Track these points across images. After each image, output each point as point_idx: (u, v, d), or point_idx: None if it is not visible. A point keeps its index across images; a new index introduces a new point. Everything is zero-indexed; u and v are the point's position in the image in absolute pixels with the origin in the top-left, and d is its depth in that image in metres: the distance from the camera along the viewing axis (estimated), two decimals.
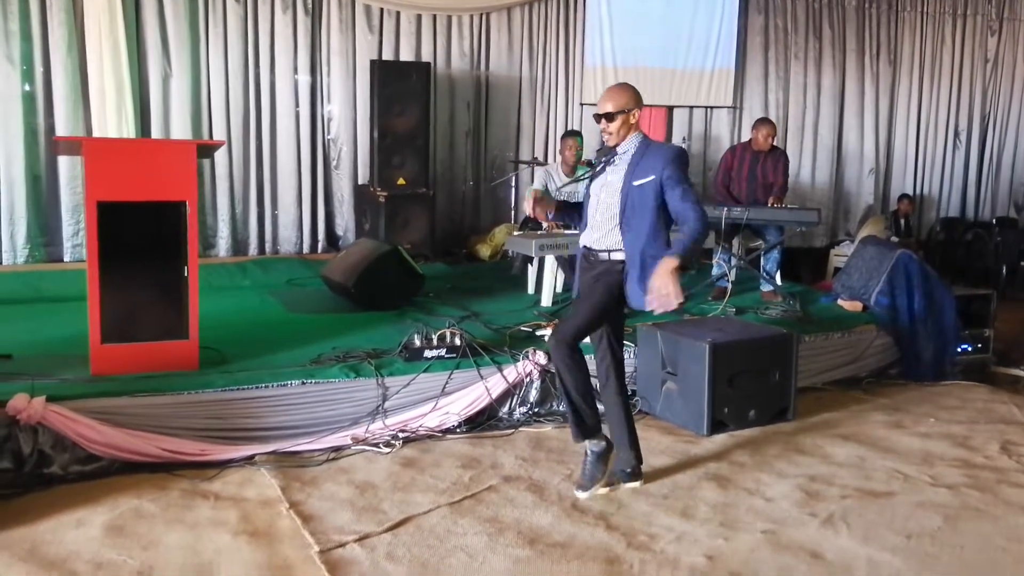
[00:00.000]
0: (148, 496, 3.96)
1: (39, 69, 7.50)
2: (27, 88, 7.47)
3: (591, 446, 4.05)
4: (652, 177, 3.92)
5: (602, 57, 9.78)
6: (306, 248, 8.63)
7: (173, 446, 4.29)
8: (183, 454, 4.28)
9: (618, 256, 4.03)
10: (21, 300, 6.43)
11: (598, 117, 4.04)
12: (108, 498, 3.93)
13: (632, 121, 4.02)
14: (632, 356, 5.38)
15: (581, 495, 4.03)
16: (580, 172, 6.95)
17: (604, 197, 4.09)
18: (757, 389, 5.15)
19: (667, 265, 3.74)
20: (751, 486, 4.27)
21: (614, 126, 4.01)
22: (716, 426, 4.98)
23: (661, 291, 3.73)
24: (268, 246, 8.50)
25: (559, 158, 7.11)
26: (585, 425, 4.01)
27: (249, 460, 4.35)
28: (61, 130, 7.51)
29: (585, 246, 4.18)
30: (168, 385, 4.45)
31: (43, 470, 4.11)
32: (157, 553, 3.46)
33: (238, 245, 8.34)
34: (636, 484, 4.18)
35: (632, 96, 4.02)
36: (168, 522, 3.72)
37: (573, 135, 7.10)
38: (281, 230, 8.54)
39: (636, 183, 3.96)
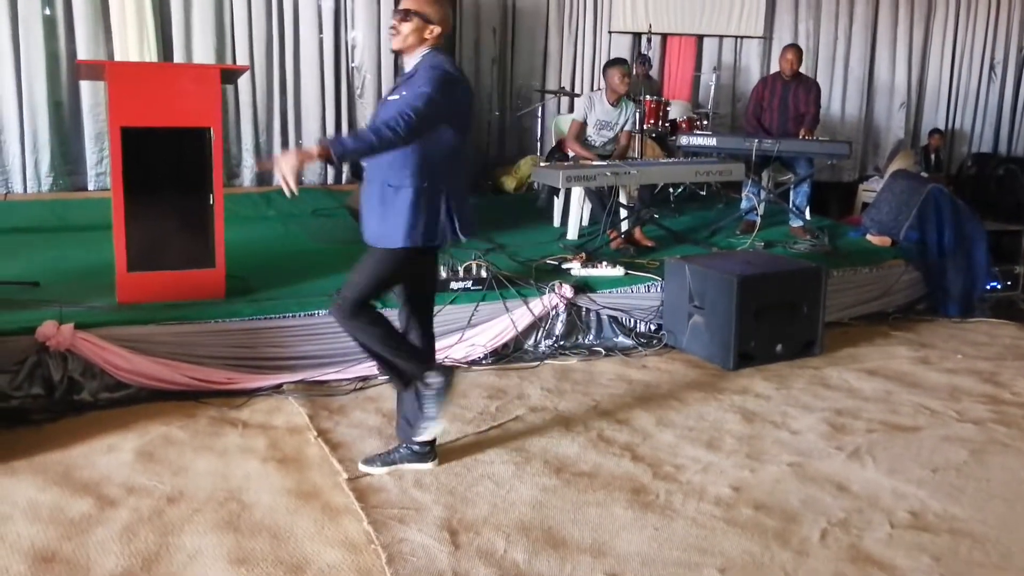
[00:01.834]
0: (177, 423, 4.00)
1: None
2: (47, 12, 7.37)
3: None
4: (404, 93, 3.26)
5: None
6: (330, 179, 8.57)
7: (200, 374, 4.31)
8: (211, 382, 4.31)
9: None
10: (46, 228, 6.44)
11: (395, 12, 3.38)
12: (138, 425, 3.97)
13: (427, 36, 3.31)
14: (659, 290, 5.35)
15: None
16: (623, 104, 6.83)
17: None
18: (784, 323, 5.11)
19: (305, 149, 3.10)
20: (777, 419, 4.26)
21: (406, 27, 3.29)
22: (742, 360, 4.96)
23: (281, 166, 3.03)
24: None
25: (604, 86, 6.91)
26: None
27: (277, 389, 4.37)
28: (82, 55, 7.43)
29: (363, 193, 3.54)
30: (195, 314, 4.45)
31: (73, 396, 4.15)
32: (187, 479, 3.50)
33: (262, 175, 8.28)
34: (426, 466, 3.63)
35: (438, 6, 3.34)
36: (197, 449, 3.76)
37: (622, 63, 6.90)
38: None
39: (389, 98, 3.40)
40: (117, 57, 7.43)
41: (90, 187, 7.67)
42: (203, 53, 7.82)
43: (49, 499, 3.31)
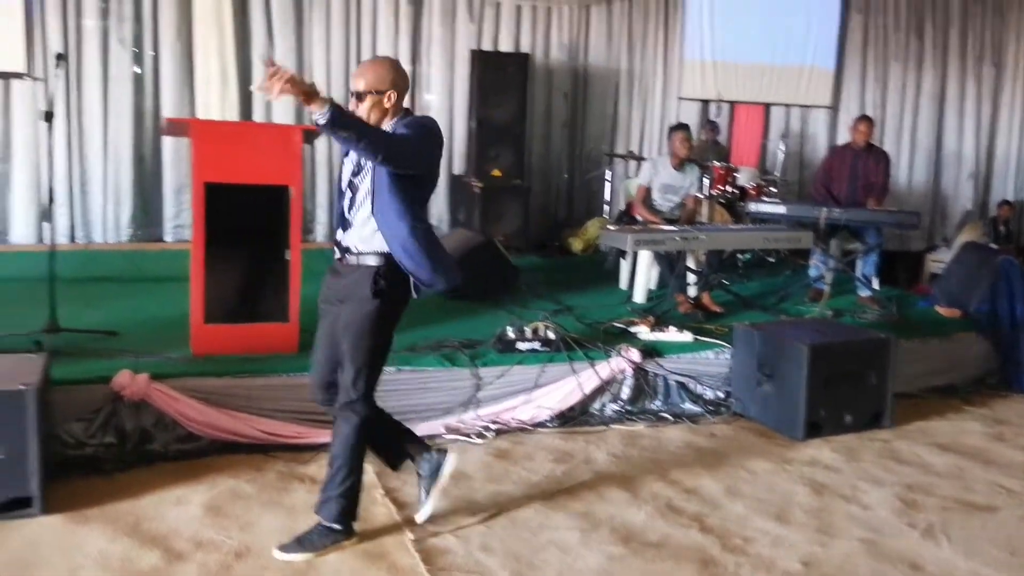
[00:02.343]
0: (245, 477, 4.02)
1: (148, 52, 7.70)
2: (137, 70, 7.67)
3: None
4: None
5: (701, 51, 9.68)
6: None
7: (270, 428, 4.35)
8: (280, 436, 4.34)
9: (370, 261, 3.33)
10: (124, 279, 6.61)
11: (351, 98, 3.34)
12: (207, 477, 4.00)
13: (387, 105, 3.28)
14: (727, 356, 5.28)
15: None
16: (688, 168, 6.85)
17: (361, 188, 3.33)
18: (853, 393, 5.01)
19: (309, 86, 2.99)
20: (847, 492, 4.16)
21: (363, 109, 3.26)
22: (811, 430, 4.87)
23: (283, 73, 2.92)
24: None
25: (667, 151, 6.97)
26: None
27: None
28: (167, 112, 7.69)
29: (340, 251, 3.48)
30: (268, 367, 4.51)
31: (145, 447, 4.21)
32: (254, 534, 3.51)
33: (336, 231, 8.42)
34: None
35: (387, 74, 3.30)
36: (264, 504, 3.78)
37: (684, 128, 6.95)
38: None
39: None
40: (199, 114, 7.69)
41: (167, 239, 7.87)
42: (282, 112, 8.04)
43: (119, 550, 3.34)
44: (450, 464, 3.62)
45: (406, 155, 3.16)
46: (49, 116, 4.85)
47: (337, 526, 3.40)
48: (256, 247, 4.78)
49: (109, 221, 7.68)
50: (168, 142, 7.76)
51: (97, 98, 7.53)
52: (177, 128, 5.51)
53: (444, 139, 3.48)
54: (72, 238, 7.48)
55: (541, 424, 4.79)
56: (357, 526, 3.48)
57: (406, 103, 3.40)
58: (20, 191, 7.40)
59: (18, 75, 7.25)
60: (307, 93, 2.94)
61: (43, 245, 7.14)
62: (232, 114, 7.70)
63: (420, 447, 3.70)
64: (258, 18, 7.98)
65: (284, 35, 8.06)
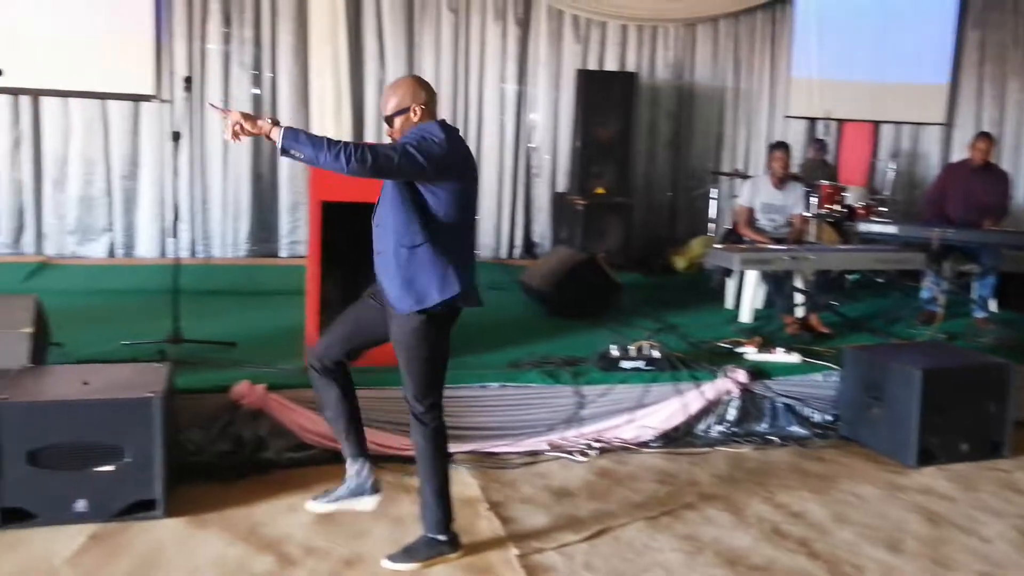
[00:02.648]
0: None
1: (267, 74, 8.03)
2: (256, 91, 8.00)
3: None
4: None
5: (808, 68, 9.53)
6: (503, 253, 8.80)
7: (379, 439, 4.44)
8: (388, 447, 4.43)
9: None
10: (242, 292, 6.87)
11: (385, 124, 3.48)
12: (318, 486, 4.07)
13: (415, 120, 3.37)
14: (836, 379, 5.18)
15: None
16: (790, 187, 6.77)
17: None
18: (969, 420, 4.84)
19: (259, 120, 3.11)
20: (964, 523, 4.02)
21: (396, 129, 3.40)
22: (924, 457, 4.72)
23: (232, 116, 3.07)
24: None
25: (767, 170, 6.92)
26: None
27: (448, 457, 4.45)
28: None
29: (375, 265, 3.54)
30: (376, 380, 4.59)
31: (260, 455, 4.36)
32: (363, 543, 3.61)
33: None
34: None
35: (409, 91, 3.39)
36: (373, 514, 3.84)
37: (781, 147, 6.89)
38: (481, 235, 8.75)
39: None
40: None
41: (282, 254, 8.17)
42: None
43: (235, 554, 3.48)
44: (369, 504, 3.66)
45: (382, 164, 3.15)
46: (177, 136, 5.10)
47: (441, 536, 3.47)
48: (370, 264, 4.89)
49: (228, 236, 8.02)
50: (284, 161, 8.05)
51: (219, 119, 7.86)
52: None
53: (458, 142, 3.36)
54: (193, 253, 7.84)
55: (644, 444, 4.77)
56: (465, 540, 3.55)
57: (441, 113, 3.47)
58: (146, 208, 7.81)
59: (147, 98, 7.65)
60: (261, 130, 3.08)
61: (167, 259, 7.52)
62: (345, 134, 7.95)
63: (364, 453, 3.69)
64: (371, 41, 8.23)
65: (395, 58, 8.29)
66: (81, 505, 3.63)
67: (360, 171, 3.12)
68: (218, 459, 4.27)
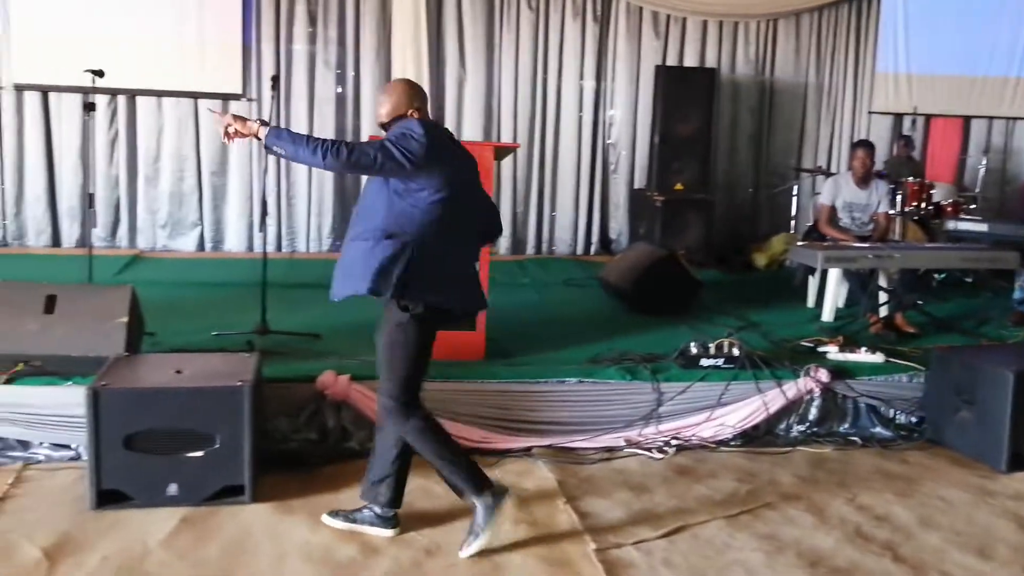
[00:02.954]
0: (435, 478, 4.09)
1: (350, 73, 8.20)
2: (339, 90, 8.16)
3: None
4: None
5: (895, 63, 9.33)
6: (579, 250, 8.83)
7: (459, 431, 4.48)
8: (467, 440, 4.48)
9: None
10: (325, 285, 6.92)
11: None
12: None
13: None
14: (922, 380, 5.07)
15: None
16: (873, 185, 6.64)
17: None
18: None
19: (248, 122, 3.28)
20: None
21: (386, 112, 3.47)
22: (1016, 462, 4.58)
23: (228, 119, 3.28)
24: (544, 246, 8.80)
25: (849, 168, 6.80)
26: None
27: (527, 451, 4.49)
28: (366, 129, 8.17)
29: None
30: (457, 373, 4.68)
31: (344, 444, 4.45)
32: (443, 533, 3.65)
33: (517, 244, 8.68)
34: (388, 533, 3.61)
35: (404, 96, 3.44)
36: (453, 504, 3.89)
37: (864, 145, 6.76)
38: (558, 231, 8.81)
39: None
40: None
41: None
42: (471, 130, 8.36)
43: (320, 541, 3.56)
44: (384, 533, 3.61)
45: (357, 159, 3.21)
46: None
47: (389, 512, 3.60)
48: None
49: (312, 231, 8.22)
50: None
51: (304, 117, 8.09)
52: None
53: (441, 141, 3.39)
54: (279, 247, 8.04)
55: (723, 442, 4.74)
56: (539, 531, 3.61)
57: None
58: (234, 203, 8.06)
59: (236, 96, 7.87)
60: (250, 132, 3.23)
61: (254, 253, 7.74)
62: None
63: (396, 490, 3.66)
64: (451, 41, 8.35)
65: (475, 57, 8.40)
66: (173, 489, 3.76)
67: (336, 166, 3.25)
68: (303, 447, 4.38)
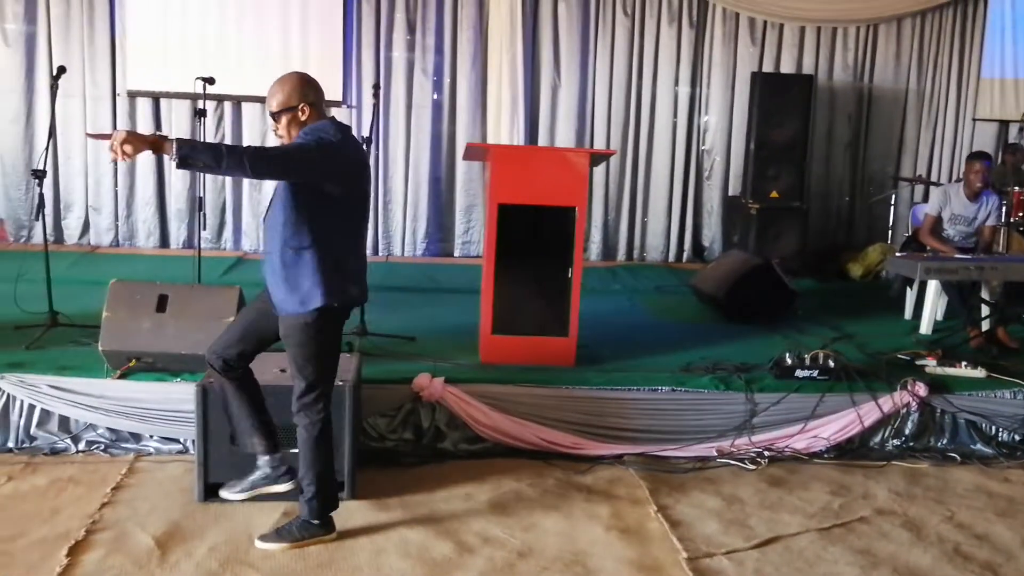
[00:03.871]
0: (527, 481, 4.26)
1: (447, 80, 8.35)
2: (435, 97, 8.32)
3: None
4: None
5: (1002, 68, 9.03)
6: (671, 256, 8.80)
7: (550, 436, 4.57)
8: (558, 445, 4.55)
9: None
10: (419, 289, 7.15)
11: (270, 120, 3.44)
12: (492, 478, 4.27)
13: (303, 118, 3.36)
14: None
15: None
16: (984, 198, 6.45)
17: None
18: None
19: (148, 135, 3.06)
20: None
21: (281, 127, 3.37)
22: None
23: (117, 137, 2.96)
24: (636, 252, 8.79)
25: (962, 179, 6.59)
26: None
27: (618, 458, 4.53)
28: (461, 136, 8.30)
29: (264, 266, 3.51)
30: (549, 378, 4.74)
31: (437, 444, 4.56)
32: (536, 536, 3.72)
33: (608, 250, 8.71)
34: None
35: (296, 88, 3.37)
36: (545, 508, 3.98)
37: (982, 157, 6.50)
38: (649, 237, 8.80)
39: None
40: (489, 138, 8.21)
41: (455, 254, 8.49)
42: (565, 136, 8.43)
43: (416, 538, 3.66)
44: (284, 487, 3.64)
45: (281, 165, 3.21)
46: (367, 142, 5.38)
47: (315, 521, 3.56)
48: (541, 264, 5.04)
49: (407, 236, 8.40)
50: (460, 164, 8.35)
51: (402, 124, 8.29)
52: (476, 152, 5.89)
53: (356, 145, 3.47)
54: (376, 251, 8.24)
55: (817, 454, 4.69)
56: (630, 538, 3.62)
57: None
58: None
59: (336, 103, 8.09)
60: (152, 144, 3.03)
61: None
62: (519, 138, 8.16)
63: (275, 449, 3.67)
64: (546, 48, 8.43)
65: (570, 63, 8.46)
66: None
67: (264, 172, 3.27)
68: (399, 446, 4.51)
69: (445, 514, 3.89)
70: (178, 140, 3.01)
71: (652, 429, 4.68)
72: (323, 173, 3.31)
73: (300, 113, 3.36)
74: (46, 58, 8.02)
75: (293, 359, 3.46)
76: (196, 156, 3.03)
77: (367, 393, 4.42)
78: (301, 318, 3.37)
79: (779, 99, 8.17)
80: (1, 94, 8.07)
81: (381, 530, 3.71)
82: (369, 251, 7.28)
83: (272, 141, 3.85)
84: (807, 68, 8.75)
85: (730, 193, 8.79)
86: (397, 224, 8.41)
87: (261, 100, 7.94)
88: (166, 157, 3.02)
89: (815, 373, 4.88)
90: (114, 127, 8.12)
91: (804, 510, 4.05)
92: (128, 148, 2.97)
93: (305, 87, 3.40)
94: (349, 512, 3.84)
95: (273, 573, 3.35)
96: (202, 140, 3.29)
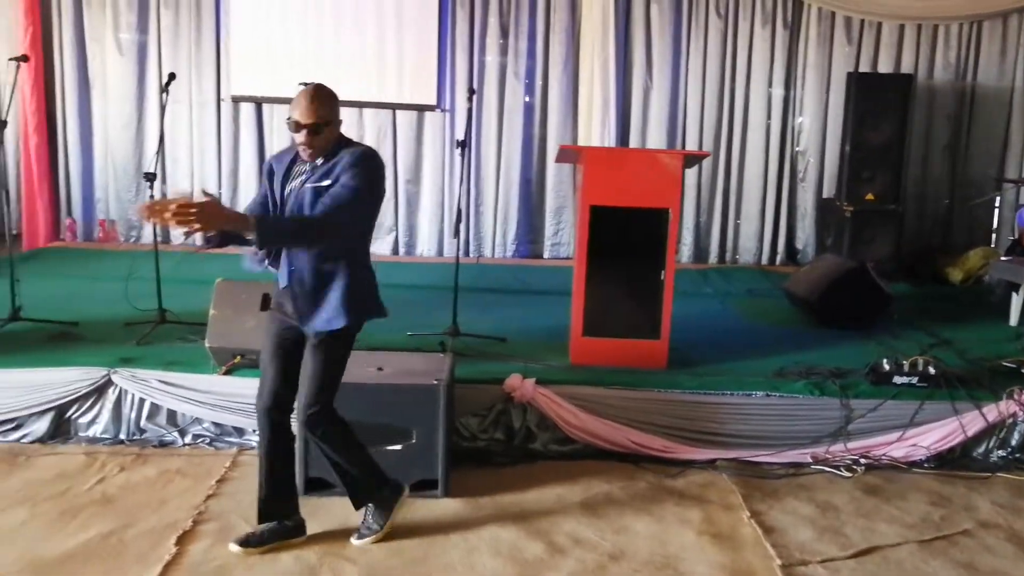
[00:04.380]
0: (618, 483, 4.27)
1: (538, 83, 8.41)
2: (527, 100, 8.39)
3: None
4: (334, 182, 3.27)
5: None
6: (764, 259, 8.68)
7: (641, 439, 4.57)
8: (649, 448, 4.55)
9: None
10: (509, 290, 7.21)
11: (298, 126, 3.27)
12: (582, 479, 4.30)
13: (337, 132, 3.37)
14: None
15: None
16: None
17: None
18: None
19: (228, 210, 3.07)
20: None
21: (320, 140, 3.29)
22: None
23: (204, 214, 2.91)
24: (728, 255, 8.70)
25: None
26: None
27: (710, 463, 4.50)
28: (552, 139, 8.35)
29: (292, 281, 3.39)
30: (640, 381, 4.74)
31: (528, 445, 4.60)
32: (627, 539, 3.74)
33: (700, 252, 8.63)
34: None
35: (335, 105, 3.36)
36: (636, 511, 3.99)
37: None
38: (742, 240, 8.70)
39: (312, 184, 3.30)
40: (580, 140, 8.23)
41: (545, 255, 8.54)
42: (656, 137, 8.40)
43: (508, 537, 3.71)
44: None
45: (346, 222, 3.28)
46: (461, 144, 5.46)
47: (385, 491, 3.67)
48: (633, 267, 5.04)
49: (498, 238, 8.49)
50: (551, 167, 8.40)
51: (494, 127, 8.38)
52: (568, 155, 5.92)
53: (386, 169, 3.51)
54: (467, 252, 8.35)
55: (916, 464, 4.58)
56: (722, 543, 3.64)
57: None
58: (427, 210, 8.46)
59: (430, 108, 8.24)
60: (231, 222, 3.05)
61: (443, 258, 8.08)
62: (610, 140, 8.15)
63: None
64: (639, 50, 8.40)
65: (661, 65, 8.42)
66: None
67: (333, 240, 3.30)
68: (491, 446, 4.57)
69: (536, 514, 3.93)
70: (258, 225, 3.07)
71: (745, 434, 4.64)
72: (373, 212, 3.48)
73: (337, 128, 3.39)
74: (156, 66, 8.34)
75: (313, 371, 3.42)
76: (273, 241, 3.23)
77: (459, 393, 4.48)
78: (330, 335, 3.38)
79: (876, 100, 7.98)
80: (114, 101, 8.42)
81: (473, 528, 3.78)
82: (461, 252, 7.43)
83: None
84: (906, 67, 8.53)
85: (824, 195, 8.62)
86: (488, 226, 8.50)
87: (359, 105, 8.19)
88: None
89: (914, 380, 4.77)
90: (219, 132, 8.40)
91: (902, 520, 3.97)
92: (202, 226, 2.95)
93: (338, 103, 3.41)
94: (442, 510, 3.93)
95: (369, 567, 3.44)
96: (278, 219, 3.34)
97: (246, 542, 3.52)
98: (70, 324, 5.40)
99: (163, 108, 5.74)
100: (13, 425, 4.61)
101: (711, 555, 3.61)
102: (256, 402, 3.52)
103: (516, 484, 4.23)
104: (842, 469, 4.48)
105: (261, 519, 3.56)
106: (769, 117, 8.59)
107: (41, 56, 8.19)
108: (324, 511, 3.83)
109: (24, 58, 5.79)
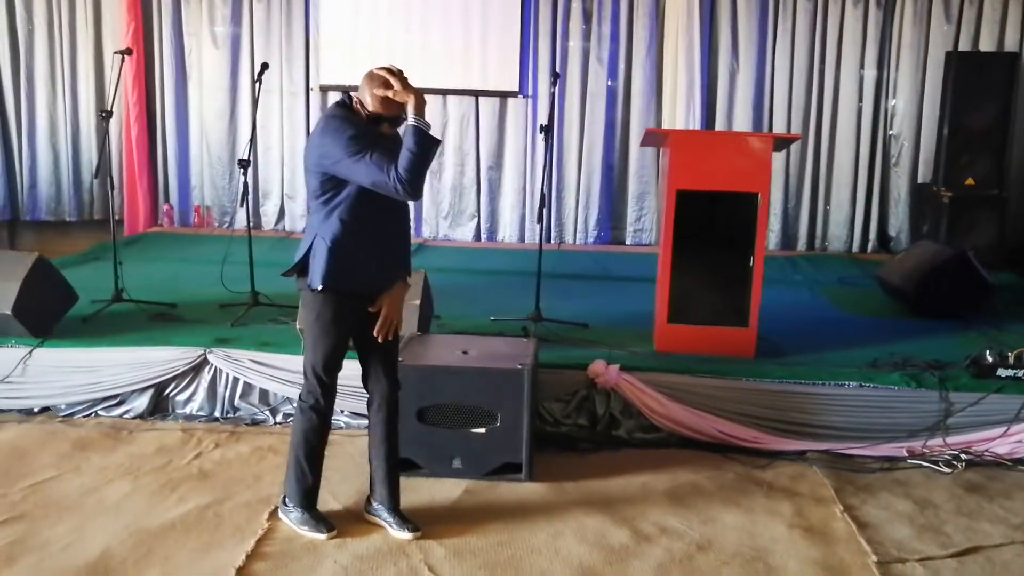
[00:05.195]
0: (705, 473, 4.19)
1: (621, 67, 8.31)
2: (610, 84, 8.30)
3: None
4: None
5: None
6: (855, 247, 8.45)
7: (728, 429, 4.47)
8: (737, 438, 4.45)
9: None
10: (591, 276, 7.15)
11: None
12: (668, 468, 4.23)
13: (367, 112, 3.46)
14: None
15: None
16: None
17: None
18: None
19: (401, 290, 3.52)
20: None
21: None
22: None
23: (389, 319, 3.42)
24: (817, 242, 8.49)
25: None
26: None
27: (800, 455, 4.38)
28: (636, 123, 8.25)
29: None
30: (728, 370, 4.64)
31: (612, 432, 4.54)
32: (715, 529, 3.65)
33: (788, 239, 8.44)
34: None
35: (364, 84, 3.46)
36: (724, 502, 3.90)
37: None
38: (832, 227, 8.48)
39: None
40: (665, 124, 8.11)
41: (627, 242, 8.45)
42: (742, 121, 8.21)
43: (593, 524, 3.66)
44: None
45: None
46: (544, 129, 5.41)
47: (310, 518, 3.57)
48: (720, 253, 4.92)
49: (579, 224, 8.44)
50: (633, 152, 8.29)
51: (576, 112, 8.32)
52: (654, 139, 5.81)
53: None
54: (548, 238, 8.30)
55: (1021, 461, 4.38)
56: (814, 537, 3.53)
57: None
58: (508, 196, 8.45)
59: (513, 94, 8.21)
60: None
61: (524, 244, 8.06)
62: (695, 124, 8.02)
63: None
64: (724, 31, 8.24)
65: (747, 48, 8.25)
66: (457, 462, 4.01)
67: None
68: (574, 431, 4.52)
69: (621, 501, 3.88)
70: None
71: (837, 426, 4.50)
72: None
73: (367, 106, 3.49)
74: (248, 57, 8.54)
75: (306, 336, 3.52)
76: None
77: (542, 378, 4.42)
78: (307, 294, 3.44)
79: (977, 80, 7.67)
80: (210, 92, 8.65)
81: (558, 513, 3.74)
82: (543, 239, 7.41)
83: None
84: (1010, 45, 8.17)
85: (919, 181, 8.33)
86: (569, 212, 8.45)
87: (443, 92, 8.22)
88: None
89: (1020, 373, 4.56)
90: (308, 120, 8.52)
91: (1008, 520, 3.79)
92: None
93: (364, 83, 3.52)
94: (527, 493, 3.91)
95: (456, 547, 3.43)
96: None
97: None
98: (169, 305, 5.56)
99: (255, 98, 5.83)
100: (116, 401, 4.76)
101: (802, 549, 3.50)
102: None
103: (600, 470, 4.18)
104: (941, 464, 4.31)
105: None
106: (861, 100, 8.34)
107: (142, 50, 8.49)
108: (412, 490, 3.83)
109: (128, 51, 5.92)
